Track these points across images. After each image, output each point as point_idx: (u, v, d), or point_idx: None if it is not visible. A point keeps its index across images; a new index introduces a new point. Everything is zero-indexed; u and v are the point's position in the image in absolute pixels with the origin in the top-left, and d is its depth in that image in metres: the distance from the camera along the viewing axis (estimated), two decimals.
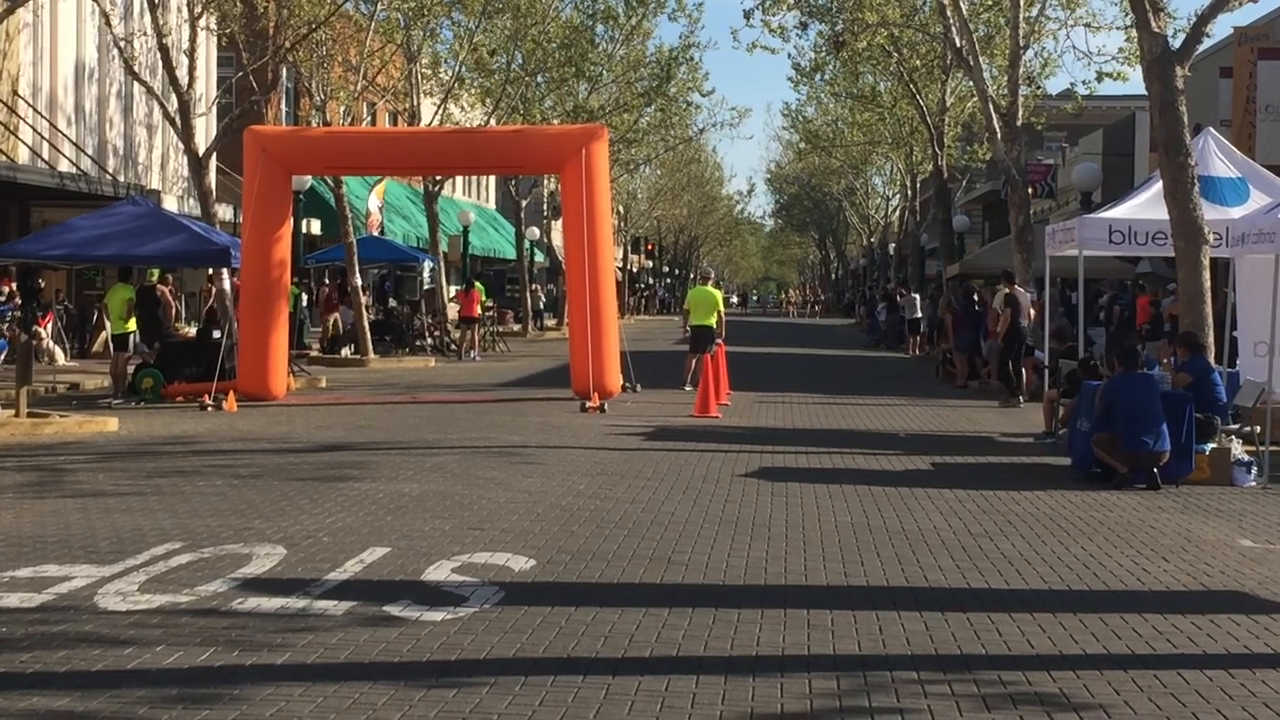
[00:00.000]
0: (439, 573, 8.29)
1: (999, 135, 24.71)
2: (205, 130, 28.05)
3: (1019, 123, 25.30)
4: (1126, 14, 22.60)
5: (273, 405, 19.65)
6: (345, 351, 30.21)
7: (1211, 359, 14.57)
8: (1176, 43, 15.32)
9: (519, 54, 39.04)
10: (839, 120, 55.22)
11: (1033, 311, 21.90)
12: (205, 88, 29.24)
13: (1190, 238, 14.71)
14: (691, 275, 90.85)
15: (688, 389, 21.68)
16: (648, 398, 21.14)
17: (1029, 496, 11.96)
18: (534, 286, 50.85)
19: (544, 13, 38.31)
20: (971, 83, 27.89)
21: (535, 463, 13.57)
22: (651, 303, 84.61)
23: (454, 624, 7.09)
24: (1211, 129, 17.80)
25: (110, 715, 5.55)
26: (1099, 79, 27.54)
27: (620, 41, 44.26)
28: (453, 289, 42.31)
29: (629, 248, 76.13)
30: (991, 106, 24.97)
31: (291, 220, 22.64)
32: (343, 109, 33.97)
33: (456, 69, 37.10)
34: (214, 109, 29.33)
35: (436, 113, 36.53)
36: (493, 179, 60.26)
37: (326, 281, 35.15)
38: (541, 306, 51.32)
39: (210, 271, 24.35)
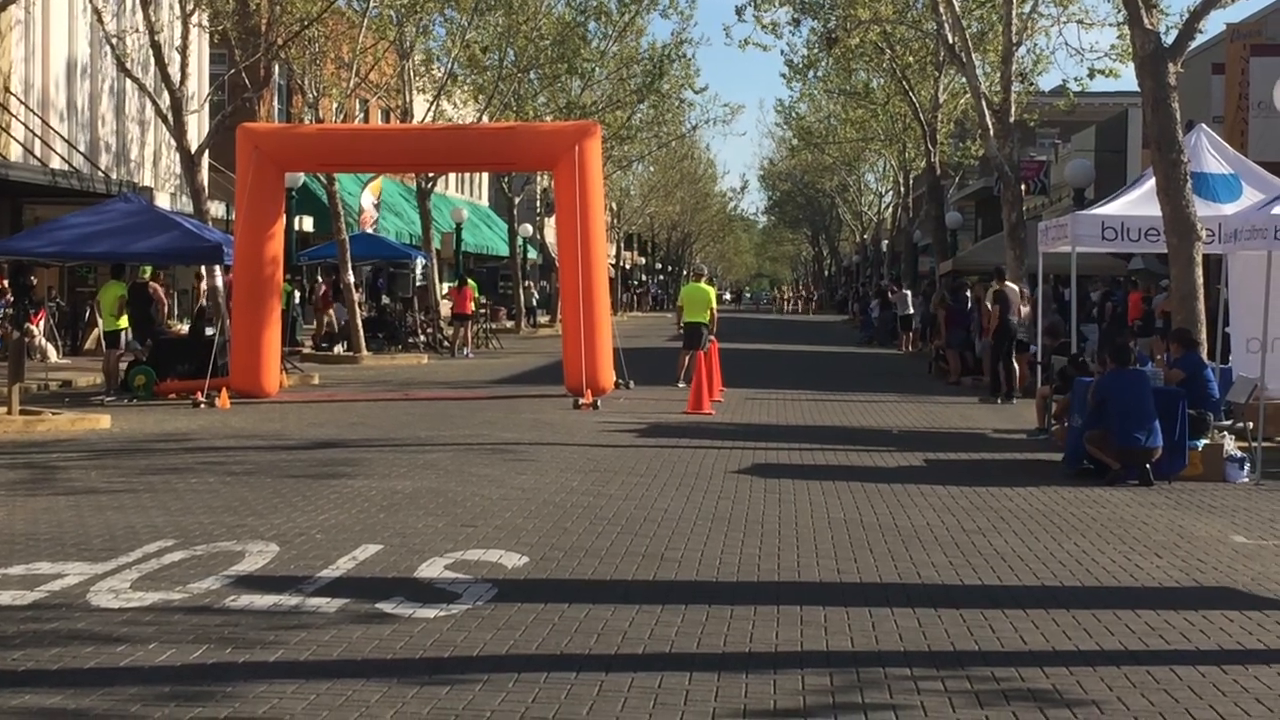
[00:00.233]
0: (432, 570, 8.29)
1: (992, 132, 24.72)
2: (197, 127, 28.01)
3: (1012, 119, 25.30)
4: (1119, 10, 22.59)
5: (265, 402, 19.64)
6: (338, 349, 30.19)
7: (1204, 355, 14.60)
8: (1169, 39, 15.36)
9: (511, 50, 39.04)
10: (832, 117, 55.28)
11: (1024, 308, 21.90)
12: (197, 85, 29.21)
13: (1183, 234, 14.74)
14: (685, 272, 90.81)
15: (681, 386, 21.68)
16: (641, 394, 21.14)
17: (1022, 493, 11.97)
18: (527, 283, 50.84)
19: (536, 9, 38.29)
20: (964, 79, 27.91)
21: (528, 460, 13.57)
22: (645, 299, 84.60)
23: (447, 621, 7.09)
24: (1204, 125, 17.79)
25: (103, 713, 5.54)
26: (1091, 76, 27.50)
27: (613, 38, 44.28)
28: (446, 286, 42.31)
29: (622, 244, 76.14)
30: (984, 103, 24.98)
31: (284, 217, 22.62)
32: (335, 106, 33.93)
33: (449, 66, 37.08)
34: (206, 106, 29.32)
35: (429, 110, 36.49)
36: (486, 176, 60.20)
37: (320, 279, 35.09)
38: (535, 303, 51.30)
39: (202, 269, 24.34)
